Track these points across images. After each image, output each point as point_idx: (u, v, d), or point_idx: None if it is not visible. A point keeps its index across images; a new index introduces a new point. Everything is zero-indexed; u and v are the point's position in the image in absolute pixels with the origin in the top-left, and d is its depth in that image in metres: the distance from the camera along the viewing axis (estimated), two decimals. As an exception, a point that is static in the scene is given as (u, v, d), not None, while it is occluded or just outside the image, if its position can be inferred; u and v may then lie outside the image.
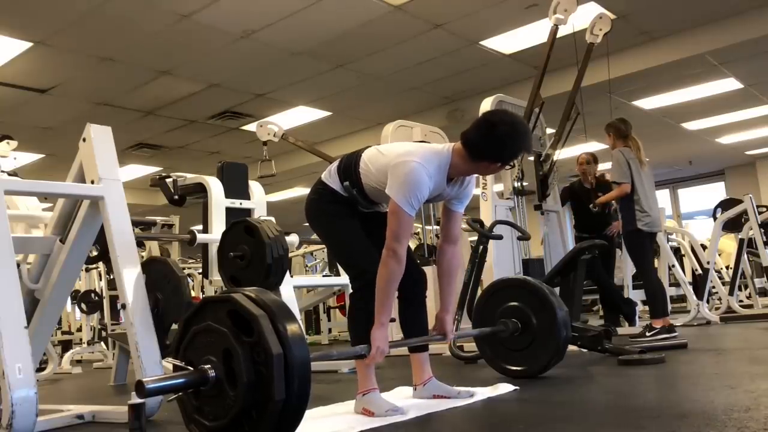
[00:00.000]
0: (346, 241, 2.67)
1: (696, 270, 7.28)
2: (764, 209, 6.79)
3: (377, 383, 2.57)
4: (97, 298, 7.18)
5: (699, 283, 6.67)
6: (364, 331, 2.48)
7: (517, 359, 3.19)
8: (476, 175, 2.66)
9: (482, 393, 2.73)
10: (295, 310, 4.42)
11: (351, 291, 2.69)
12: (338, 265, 2.72)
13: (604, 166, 7.20)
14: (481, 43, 6.94)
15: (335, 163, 2.71)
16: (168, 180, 4.35)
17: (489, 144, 2.42)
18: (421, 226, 6.31)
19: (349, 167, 2.62)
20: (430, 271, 5.67)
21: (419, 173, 2.41)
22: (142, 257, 4.69)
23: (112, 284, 6.79)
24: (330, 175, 2.68)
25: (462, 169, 2.53)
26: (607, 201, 5.54)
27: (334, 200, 2.65)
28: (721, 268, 8.36)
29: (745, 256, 6.85)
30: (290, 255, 5.59)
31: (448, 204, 2.71)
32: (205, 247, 4.24)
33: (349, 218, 2.66)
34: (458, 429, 2.22)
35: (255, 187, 4.60)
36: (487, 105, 5.30)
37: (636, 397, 2.55)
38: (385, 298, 2.44)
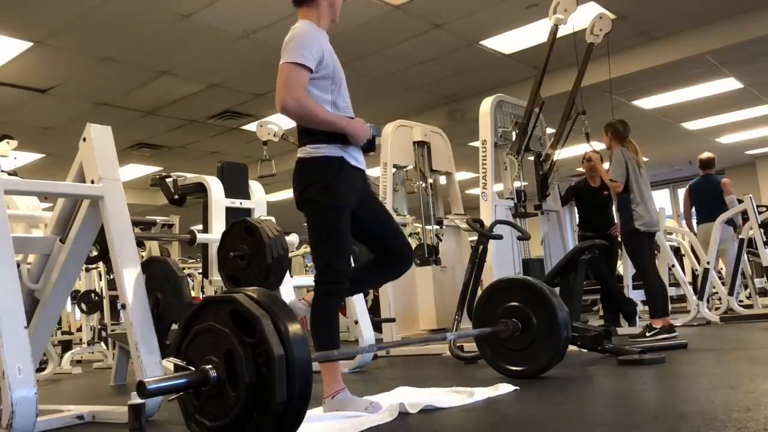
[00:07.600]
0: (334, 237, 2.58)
1: (696, 270, 7.27)
2: (764, 209, 6.79)
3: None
4: (97, 298, 7.18)
5: (699, 282, 6.67)
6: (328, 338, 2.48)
7: (517, 359, 3.19)
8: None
9: (482, 393, 2.72)
10: (295, 310, 4.41)
11: (316, 293, 2.56)
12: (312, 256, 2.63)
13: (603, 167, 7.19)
14: (481, 43, 6.94)
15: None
16: (168, 180, 4.34)
17: None
18: (421, 225, 6.30)
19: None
20: (429, 271, 5.73)
21: (304, 28, 2.44)
22: (142, 257, 4.69)
23: (112, 284, 6.79)
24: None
25: (322, 12, 2.56)
26: (602, 178, 5.60)
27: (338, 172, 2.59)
28: (721, 268, 8.36)
29: (745, 256, 6.85)
30: (290, 255, 5.58)
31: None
32: (205, 247, 4.24)
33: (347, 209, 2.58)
34: (458, 429, 2.22)
35: (255, 187, 4.60)
36: (487, 105, 5.31)
37: (636, 397, 2.55)
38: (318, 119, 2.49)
